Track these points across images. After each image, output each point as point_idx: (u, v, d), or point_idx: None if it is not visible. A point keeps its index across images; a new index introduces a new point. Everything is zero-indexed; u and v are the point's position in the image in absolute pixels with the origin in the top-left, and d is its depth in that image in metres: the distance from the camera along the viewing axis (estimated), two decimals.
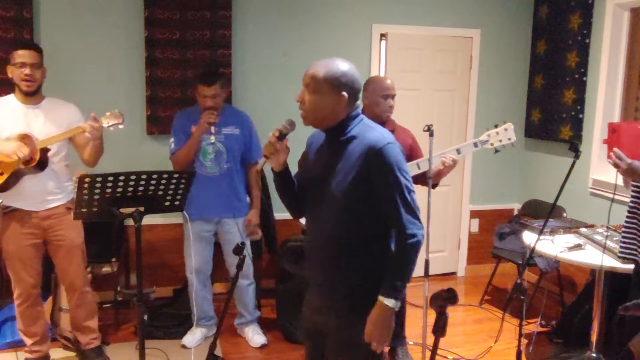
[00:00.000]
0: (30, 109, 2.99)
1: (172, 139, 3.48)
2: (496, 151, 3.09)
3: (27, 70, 2.89)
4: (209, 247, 3.62)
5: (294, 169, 2.14)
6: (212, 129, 3.36)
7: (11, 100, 3.01)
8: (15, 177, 2.90)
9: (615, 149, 2.47)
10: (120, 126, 2.91)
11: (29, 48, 2.95)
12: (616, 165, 2.48)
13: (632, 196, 2.72)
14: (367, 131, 1.93)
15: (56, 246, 3.11)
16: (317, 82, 1.89)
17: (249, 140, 3.54)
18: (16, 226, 3.01)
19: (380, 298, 1.88)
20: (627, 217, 2.74)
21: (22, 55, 2.90)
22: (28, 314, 3.13)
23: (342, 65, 1.91)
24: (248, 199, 3.67)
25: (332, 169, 1.94)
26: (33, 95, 2.98)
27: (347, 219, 1.94)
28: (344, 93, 1.90)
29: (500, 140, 3.04)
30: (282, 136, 1.96)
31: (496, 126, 3.07)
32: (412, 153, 3.17)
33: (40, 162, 2.87)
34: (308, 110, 1.93)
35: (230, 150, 3.47)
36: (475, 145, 3.03)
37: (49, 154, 2.95)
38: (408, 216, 1.88)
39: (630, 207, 2.72)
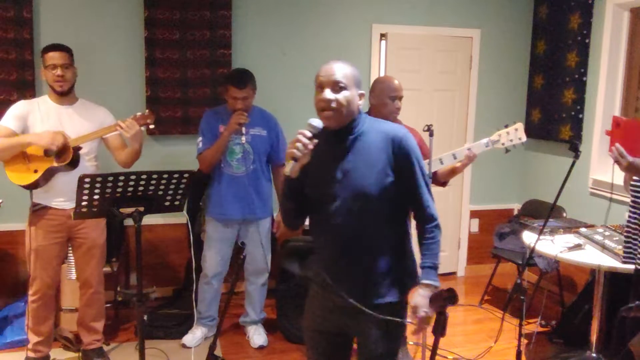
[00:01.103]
0: (63, 109, 3.07)
1: (200, 139, 3.48)
2: (507, 151, 3.14)
3: (58, 72, 2.99)
4: (230, 248, 3.62)
5: None
6: (243, 129, 3.38)
7: (45, 100, 3.10)
8: (48, 175, 2.95)
9: (617, 145, 2.45)
10: (152, 126, 3.01)
11: (58, 50, 3.02)
12: (617, 162, 2.48)
13: (632, 198, 2.71)
14: (378, 125, 2.00)
15: (78, 244, 3.18)
16: (347, 80, 1.91)
17: (275, 142, 3.55)
18: (44, 224, 3.06)
19: (426, 281, 1.94)
20: (629, 219, 2.73)
21: (52, 57, 2.99)
22: (40, 313, 3.15)
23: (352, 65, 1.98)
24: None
25: (346, 167, 1.94)
26: (66, 95, 3.07)
27: (369, 213, 1.94)
28: (362, 90, 1.99)
29: (511, 140, 3.09)
30: (312, 137, 1.88)
31: (506, 126, 3.12)
32: (421, 152, 3.19)
33: (72, 160, 2.93)
34: (343, 108, 1.90)
35: (256, 151, 3.48)
36: (487, 144, 3.08)
37: (81, 152, 3.01)
38: (430, 198, 2.00)
39: (631, 209, 2.72)
